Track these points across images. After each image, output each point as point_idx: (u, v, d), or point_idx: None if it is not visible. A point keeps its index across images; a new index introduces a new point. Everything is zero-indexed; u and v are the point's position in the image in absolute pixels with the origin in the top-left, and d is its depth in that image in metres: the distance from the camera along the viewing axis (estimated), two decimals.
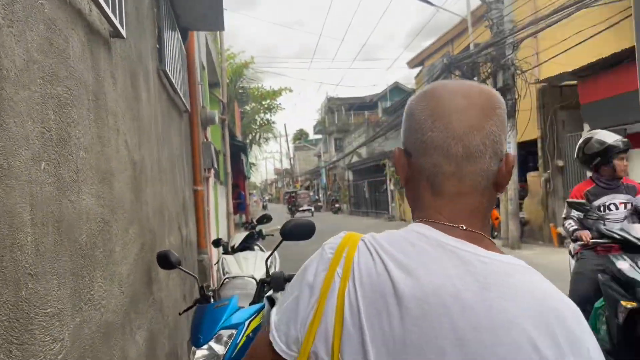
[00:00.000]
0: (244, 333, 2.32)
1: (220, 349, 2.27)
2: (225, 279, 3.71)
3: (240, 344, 2.28)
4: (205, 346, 2.28)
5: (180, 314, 2.78)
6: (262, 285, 2.57)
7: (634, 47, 9.96)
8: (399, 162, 0.93)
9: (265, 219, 5.34)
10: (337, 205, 36.86)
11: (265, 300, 2.61)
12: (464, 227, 0.85)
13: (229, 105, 17.84)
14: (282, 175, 74.82)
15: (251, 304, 2.54)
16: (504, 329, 0.75)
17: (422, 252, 0.82)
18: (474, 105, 0.86)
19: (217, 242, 5.08)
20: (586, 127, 11.97)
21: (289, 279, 2.50)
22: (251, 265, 4.70)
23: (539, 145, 13.61)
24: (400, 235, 0.85)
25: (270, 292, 2.65)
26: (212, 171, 7.68)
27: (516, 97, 12.77)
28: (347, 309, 0.79)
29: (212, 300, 2.57)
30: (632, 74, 10.46)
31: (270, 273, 2.55)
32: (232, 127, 16.40)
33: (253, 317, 2.39)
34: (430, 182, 0.88)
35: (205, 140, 6.60)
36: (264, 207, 43.81)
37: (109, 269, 2.03)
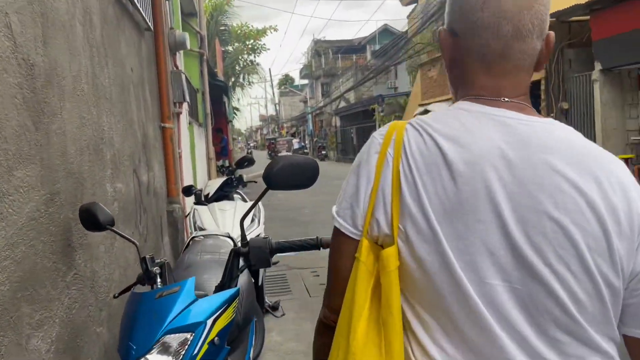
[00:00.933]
0: (205, 338, 1.41)
1: None
2: (190, 240, 2.81)
3: (199, 357, 1.39)
4: None
5: (115, 297, 1.85)
6: (234, 257, 1.62)
7: None
8: (445, 42, 0.96)
9: (247, 161, 4.39)
10: (323, 152, 36.06)
11: (243, 279, 1.73)
12: (506, 99, 0.90)
13: (209, 42, 16.53)
14: (267, 122, 73.34)
15: (219, 287, 1.61)
16: (546, 177, 0.82)
17: (467, 122, 0.87)
18: None
19: (188, 190, 4.17)
20: (597, 65, 11.03)
21: (277, 248, 1.60)
22: (229, 219, 3.80)
23: (543, 87, 12.65)
24: (444, 113, 0.91)
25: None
26: (185, 107, 6.66)
27: None
28: (404, 182, 0.86)
29: (158, 281, 1.64)
30: None
31: (249, 239, 1.62)
32: (213, 66, 15.17)
33: (219, 312, 1.47)
34: (478, 61, 0.91)
35: (175, 68, 5.56)
36: (249, 154, 42.65)
37: None
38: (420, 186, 0.84)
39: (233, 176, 4.32)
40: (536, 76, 13.10)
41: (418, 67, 20.01)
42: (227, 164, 13.81)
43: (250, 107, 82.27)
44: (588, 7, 10.90)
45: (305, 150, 41.67)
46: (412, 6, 21.84)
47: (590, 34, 11.19)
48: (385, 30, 35.94)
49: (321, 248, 1.62)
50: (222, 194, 3.94)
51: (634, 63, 10.34)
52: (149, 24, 4.44)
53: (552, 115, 12.95)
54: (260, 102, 75.09)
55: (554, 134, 0.87)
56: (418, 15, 18.22)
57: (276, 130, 60.10)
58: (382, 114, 24.08)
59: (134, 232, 3.14)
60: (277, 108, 57.17)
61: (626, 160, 10.03)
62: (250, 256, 1.57)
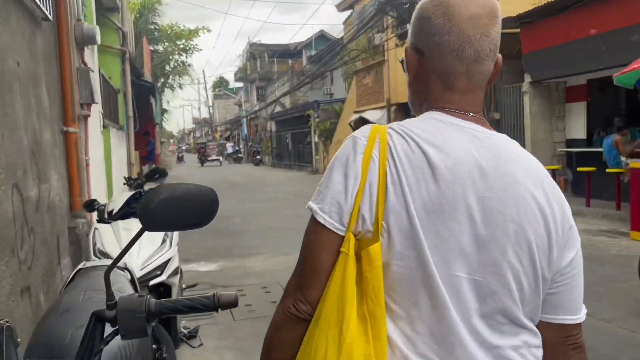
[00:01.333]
0: None
1: None
2: (75, 272, 2.29)
3: None
4: None
5: None
6: (96, 323, 1.13)
7: None
8: (411, 60, 1.04)
9: (157, 174, 3.85)
10: (258, 157, 35.43)
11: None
12: (471, 114, 1.00)
13: (137, 41, 15.64)
14: (200, 125, 71.61)
15: (81, 350, 1.13)
16: (511, 186, 0.94)
17: (444, 132, 0.96)
18: (484, 12, 0.97)
19: (90, 205, 3.60)
20: (527, 78, 11.22)
21: (158, 311, 1.16)
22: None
23: None
24: (421, 121, 0.99)
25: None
26: (98, 108, 6.01)
27: None
28: (390, 182, 0.92)
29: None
30: (579, 21, 9.69)
31: (117, 298, 1.15)
32: (139, 66, 14.33)
33: None
34: (443, 80, 1.01)
35: (83, 65, 4.94)
36: (180, 159, 41.05)
37: None
38: (406, 186, 0.92)
39: (142, 190, 3.79)
40: None
41: (353, 74, 19.93)
42: (147, 170, 13.02)
43: (183, 109, 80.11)
44: (519, 20, 11.07)
45: (240, 155, 40.90)
46: (348, 12, 21.79)
47: (520, 47, 11.37)
48: (322, 36, 35.86)
49: (219, 309, 1.20)
50: (129, 210, 3.40)
51: (561, 76, 10.59)
52: (47, 13, 3.85)
53: None
54: (193, 105, 73.29)
55: (511, 148, 0.99)
56: (354, 22, 18.12)
57: (210, 133, 58.74)
58: (317, 119, 23.84)
59: (9, 261, 2.58)
60: (211, 111, 55.87)
61: (553, 172, 10.23)
62: (119, 322, 1.13)
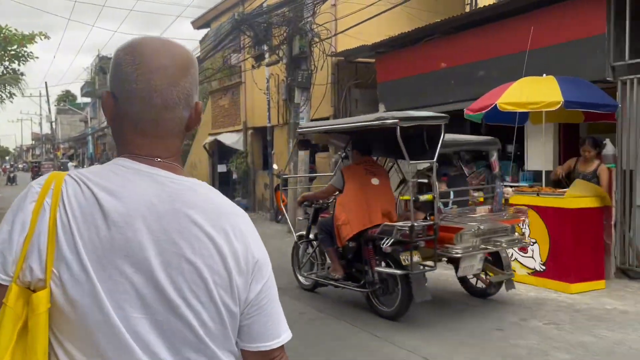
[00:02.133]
0: None
1: None
2: None
3: None
4: None
5: None
6: None
7: (433, 23, 9.18)
8: (107, 103, 1.06)
9: None
10: None
11: None
12: (159, 160, 1.03)
13: None
14: (41, 141, 64.78)
15: None
16: (187, 228, 0.98)
17: (124, 178, 0.99)
18: (173, 64, 1.02)
19: None
20: (381, 107, 11.18)
21: None
22: None
23: None
24: (104, 167, 1.03)
25: None
26: None
27: (312, 68, 11.41)
28: (60, 229, 0.93)
29: None
30: (431, 55, 9.83)
31: None
32: None
33: None
34: (133, 126, 1.03)
35: None
36: (11, 179, 35.90)
37: None
38: (76, 233, 0.93)
39: None
40: (325, 114, 12.84)
41: (209, 95, 18.94)
42: None
43: (22, 123, 72.09)
44: (373, 50, 11.05)
45: None
46: (206, 30, 20.82)
47: (375, 76, 11.36)
48: None
49: None
50: None
51: (413, 108, 10.66)
52: None
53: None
54: (33, 119, 66.21)
55: (197, 192, 1.03)
56: (209, 40, 17.21)
57: (51, 151, 53.15)
58: None
59: None
60: (54, 126, 50.67)
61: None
62: None
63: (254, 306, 1.03)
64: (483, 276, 5.93)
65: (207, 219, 0.99)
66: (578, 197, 6.20)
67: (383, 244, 5.06)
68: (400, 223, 5.19)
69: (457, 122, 10.95)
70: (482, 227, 5.37)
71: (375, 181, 5.62)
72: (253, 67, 14.22)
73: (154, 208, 0.96)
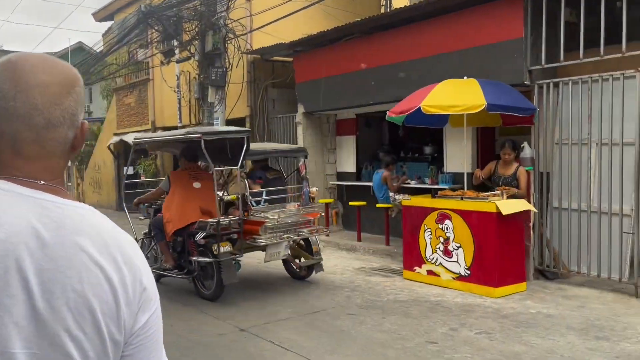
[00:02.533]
0: None
1: None
2: None
3: None
4: None
5: None
6: None
7: (352, 23, 8.92)
8: None
9: None
10: None
11: None
12: (42, 182, 0.96)
13: None
14: None
15: None
16: (75, 256, 0.91)
17: (3, 202, 0.92)
18: (55, 82, 0.97)
19: None
20: (300, 108, 10.83)
21: None
22: None
23: (248, 125, 11.99)
24: None
25: None
26: None
27: (227, 66, 10.83)
28: None
29: None
30: (350, 55, 9.60)
31: None
32: None
33: None
34: (11, 146, 0.96)
35: None
36: None
37: None
38: None
39: None
40: (241, 114, 12.22)
41: (113, 92, 17.69)
42: None
43: None
44: (291, 48, 10.66)
45: None
46: (109, 24, 19.44)
47: (294, 75, 10.98)
48: (80, 48, 32.09)
49: None
50: None
51: (331, 109, 10.41)
52: None
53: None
54: None
55: (85, 217, 0.96)
56: (113, 33, 16.03)
57: None
58: None
59: None
60: None
61: (326, 205, 9.90)
62: None
63: (138, 336, 1.00)
64: (298, 261, 7.06)
65: (96, 247, 0.95)
66: (501, 201, 6.19)
67: (197, 237, 6.08)
68: (212, 219, 6.00)
69: (375, 124, 10.89)
70: (280, 220, 6.38)
71: (197, 185, 6.50)
72: (162, 63, 13.36)
73: (39, 234, 0.91)
